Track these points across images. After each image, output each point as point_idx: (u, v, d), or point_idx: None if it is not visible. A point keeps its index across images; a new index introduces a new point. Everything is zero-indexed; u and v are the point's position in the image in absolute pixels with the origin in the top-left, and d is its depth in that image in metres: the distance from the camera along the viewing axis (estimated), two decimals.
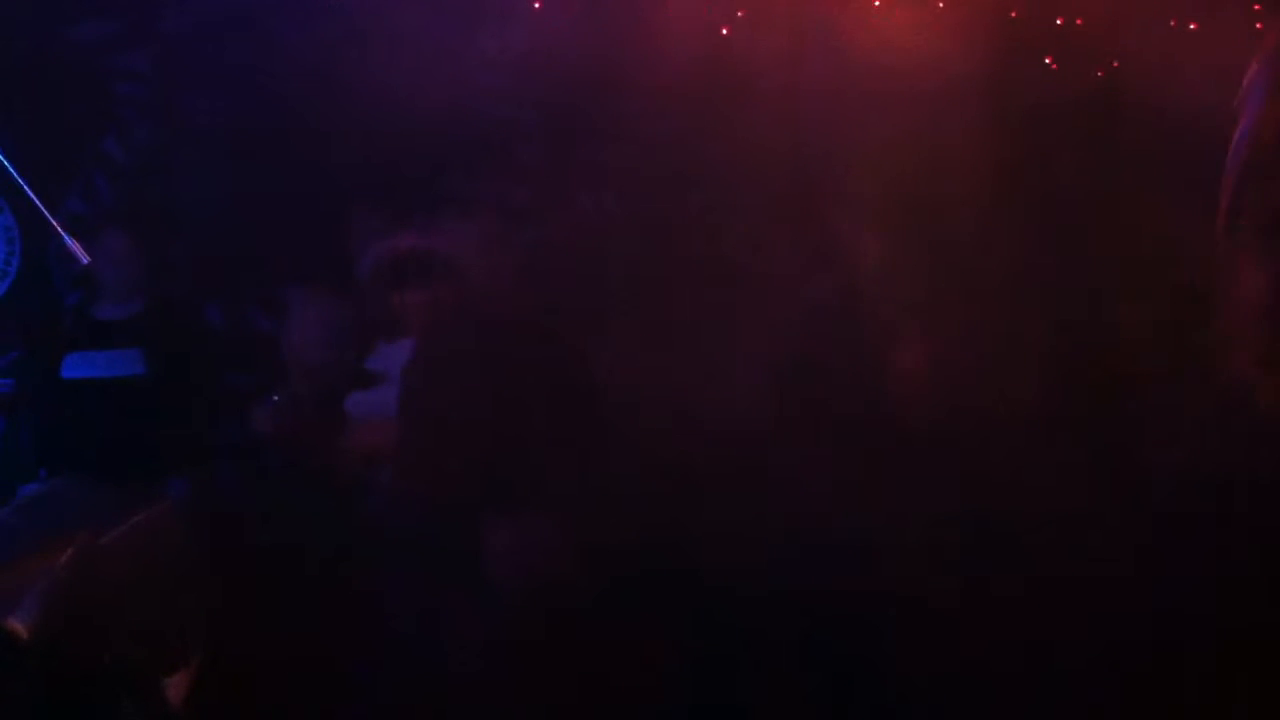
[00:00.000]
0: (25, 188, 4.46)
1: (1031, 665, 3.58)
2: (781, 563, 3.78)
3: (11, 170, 4.52)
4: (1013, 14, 4.73)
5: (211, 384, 4.85)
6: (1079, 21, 4.92)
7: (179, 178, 5.29)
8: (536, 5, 5.40)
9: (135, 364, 4.78)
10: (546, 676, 3.91)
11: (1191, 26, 4.77)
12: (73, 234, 4.66)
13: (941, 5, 4.80)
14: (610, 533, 4.02)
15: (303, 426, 4.66)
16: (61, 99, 5.27)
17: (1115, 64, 4.65)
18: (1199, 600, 3.41)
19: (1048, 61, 4.98)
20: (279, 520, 4.46)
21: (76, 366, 4.78)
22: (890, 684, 3.70)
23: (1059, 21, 4.96)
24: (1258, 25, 4.62)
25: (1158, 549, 3.54)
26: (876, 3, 4.82)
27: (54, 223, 4.54)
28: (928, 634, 3.66)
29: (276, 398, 4.77)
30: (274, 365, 4.83)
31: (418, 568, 4.22)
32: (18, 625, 3.85)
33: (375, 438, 4.63)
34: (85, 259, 4.54)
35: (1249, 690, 3.34)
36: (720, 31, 5.26)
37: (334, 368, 4.79)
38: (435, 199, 5.05)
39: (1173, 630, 3.46)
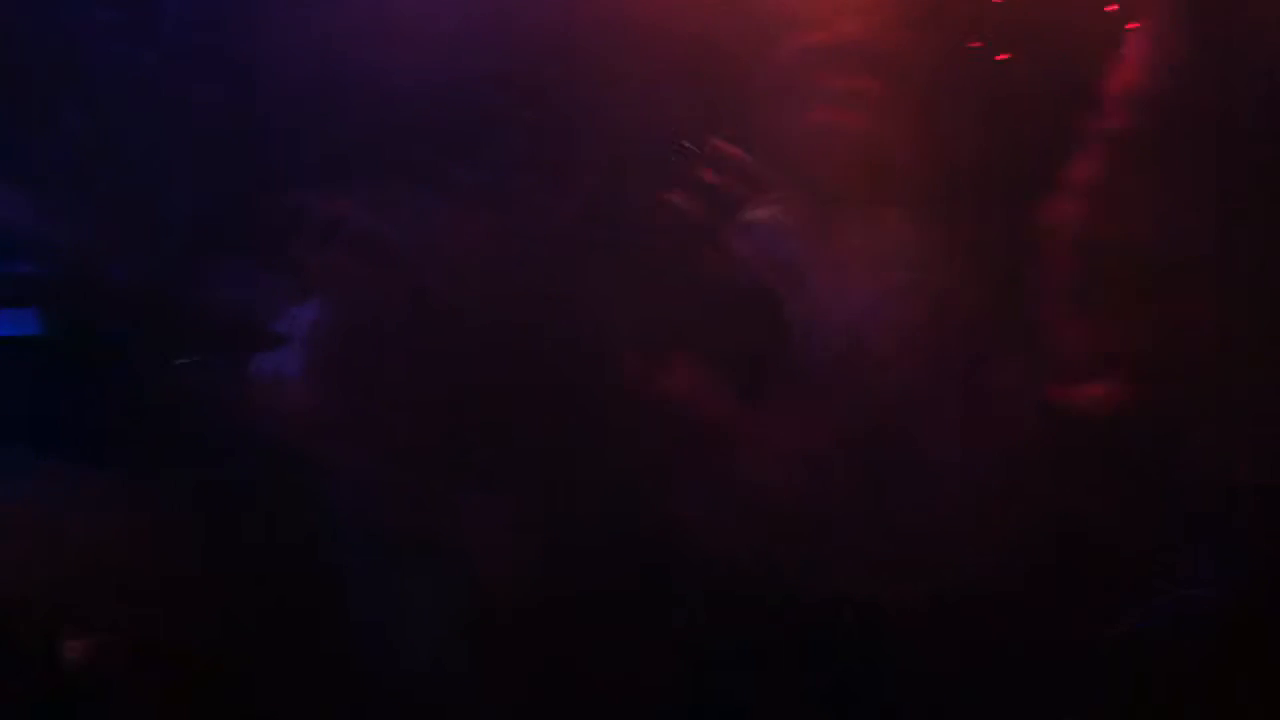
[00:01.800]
0: None
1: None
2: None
3: None
4: None
5: (119, 346, 4.71)
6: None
7: (116, 137, 5.12)
8: None
9: (32, 323, 4.64)
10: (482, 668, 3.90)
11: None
12: None
13: None
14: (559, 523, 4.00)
15: (213, 389, 4.58)
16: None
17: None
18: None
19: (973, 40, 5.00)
20: (192, 488, 4.38)
21: None
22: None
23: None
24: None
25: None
26: None
27: None
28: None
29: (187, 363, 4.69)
30: (186, 329, 4.73)
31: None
32: None
33: (287, 401, 4.56)
34: None
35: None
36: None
37: (246, 330, 4.71)
38: (389, 174, 4.95)
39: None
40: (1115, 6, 4.50)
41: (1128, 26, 4.45)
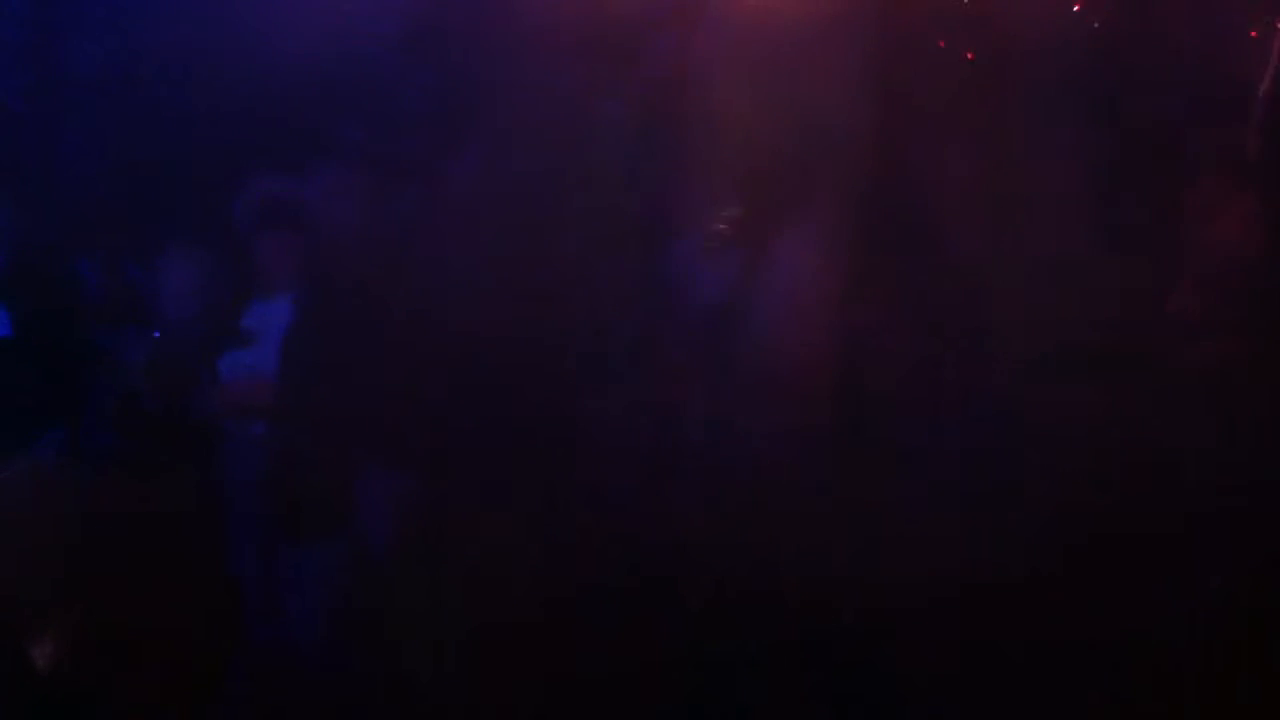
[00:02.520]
0: None
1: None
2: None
3: None
4: None
5: (82, 340, 4.70)
6: None
7: (54, 126, 5.14)
8: None
9: (3, 324, 4.64)
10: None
11: None
12: None
13: None
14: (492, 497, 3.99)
15: (174, 383, 4.57)
16: None
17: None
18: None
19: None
20: (149, 479, 4.37)
21: None
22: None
23: None
24: None
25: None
26: None
27: None
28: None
29: (148, 355, 4.68)
30: (146, 321, 4.73)
31: (278, 524, 4.17)
32: None
33: (247, 395, 4.57)
34: None
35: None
36: None
37: (205, 324, 4.71)
38: (315, 148, 4.94)
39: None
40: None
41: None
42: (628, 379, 4.19)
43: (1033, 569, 3.75)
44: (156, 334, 4.70)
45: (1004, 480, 3.84)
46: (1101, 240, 3.92)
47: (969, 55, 4.46)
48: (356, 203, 4.72)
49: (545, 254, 4.39)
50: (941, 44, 4.48)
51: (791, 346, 4.05)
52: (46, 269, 4.79)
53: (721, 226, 4.32)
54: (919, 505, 3.82)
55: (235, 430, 4.55)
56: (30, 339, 4.65)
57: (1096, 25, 4.25)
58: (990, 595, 3.72)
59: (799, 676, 3.83)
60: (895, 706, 3.80)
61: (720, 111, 4.41)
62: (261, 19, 4.71)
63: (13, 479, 4.31)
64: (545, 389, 4.19)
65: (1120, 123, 4.09)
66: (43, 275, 4.75)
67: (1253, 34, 4.04)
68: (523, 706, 3.94)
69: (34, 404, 4.49)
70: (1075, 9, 4.31)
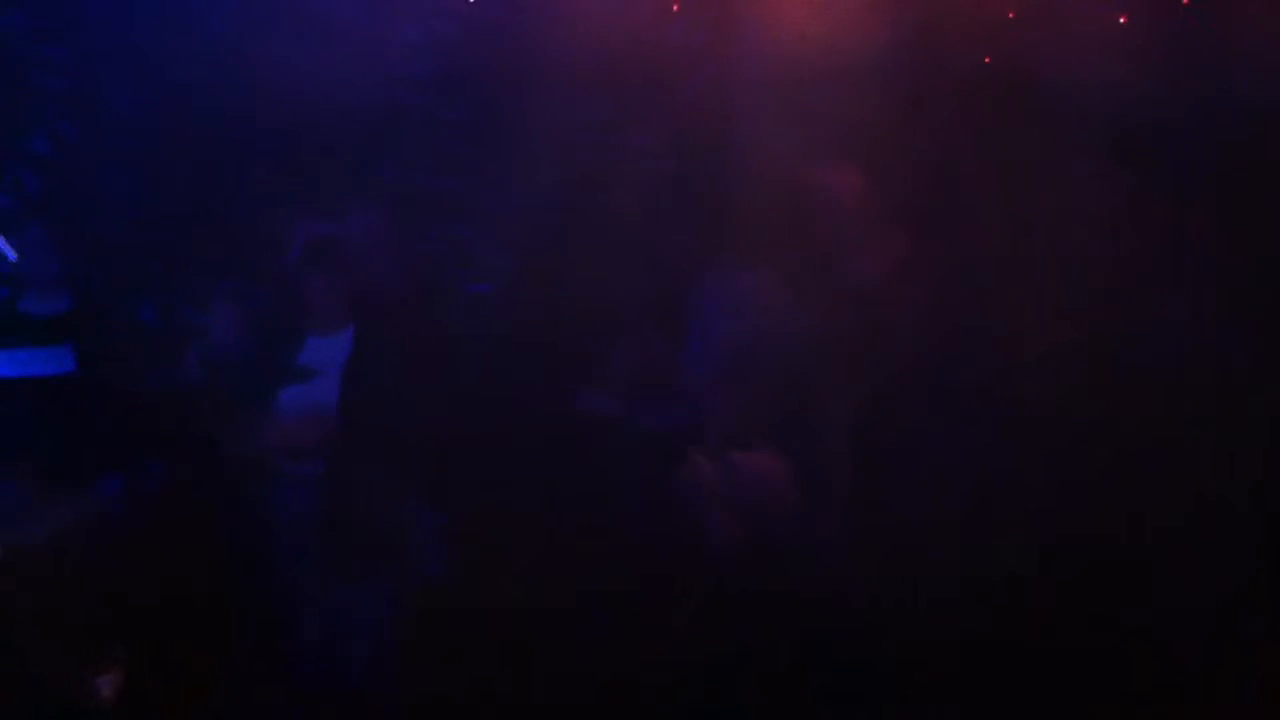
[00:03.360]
0: None
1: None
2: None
3: None
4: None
5: (141, 381, 4.81)
6: (1010, 15, 4.94)
7: (104, 171, 5.25)
8: None
9: (65, 361, 4.74)
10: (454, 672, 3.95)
11: (1122, 20, 4.79)
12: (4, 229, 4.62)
13: None
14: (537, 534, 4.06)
15: (230, 422, 4.67)
16: None
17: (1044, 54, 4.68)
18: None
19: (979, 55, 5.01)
20: (207, 519, 4.47)
21: (2, 364, 4.74)
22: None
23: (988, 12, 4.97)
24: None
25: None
26: None
27: None
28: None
29: (204, 394, 4.79)
30: (201, 361, 4.84)
31: (335, 562, 4.25)
32: None
33: (301, 432, 4.66)
34: (11, 255, 4.50)
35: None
36: (646, 16, 5.25)
37: (258, 362, 4.80)
38: (356, 188, 5.03)
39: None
40: None
41: None
42: (657, 403, 4.25)
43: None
44: (210, 373, 4.80)
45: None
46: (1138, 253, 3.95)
47: (1002, 83, 4.48)
48: (397, 240, 4.81)
49: (578, 284, 4.46)
50: (974, 72, 4.51)
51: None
52: (108, 311, 4.90)
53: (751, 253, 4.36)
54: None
55: (289, 468, 4.65)
56: (93, 379, 4.74)
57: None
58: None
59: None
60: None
61: (750, 142, 4.47)
62: (298, 63, 4.80)
63: (75, 519, 4.45)
64: (580, 419, 4.26)
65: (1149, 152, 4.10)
66: (105, 317, 4.86)
67: None
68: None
69: (95, 443, 4.62)
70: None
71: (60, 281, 4.86)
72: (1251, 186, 4.08)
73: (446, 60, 5.00)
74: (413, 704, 4.25)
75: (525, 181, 4.70)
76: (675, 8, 5.28)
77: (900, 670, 3.80)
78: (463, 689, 4.17)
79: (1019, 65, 4.50)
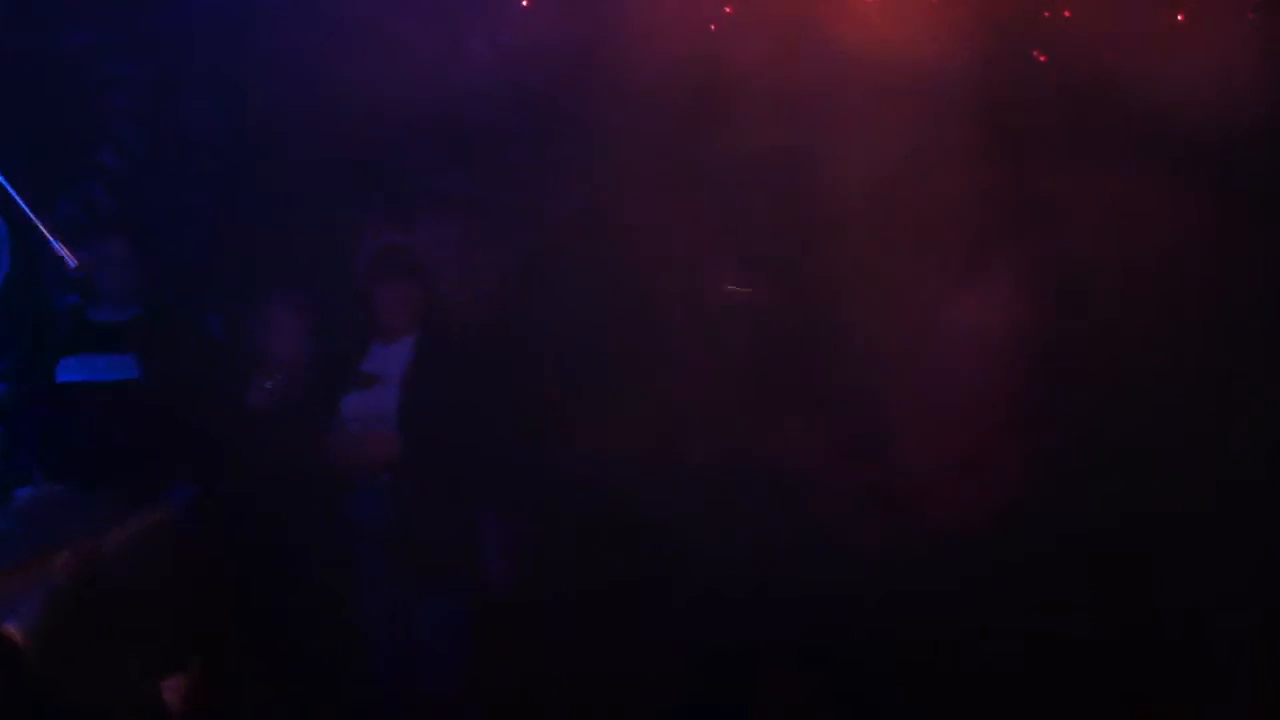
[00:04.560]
0: (11, 192, 4.46)
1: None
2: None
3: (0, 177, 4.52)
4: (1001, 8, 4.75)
5: (209, 389, 4.83)
6: (1066, 14, 4.94)
7: (172, 183, 5.31)
8: (524, 3, 5.43)
9: (131, 368, 4.78)
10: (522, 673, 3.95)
11: (1179, 19, 4.79)
12: (64, 238, 4.65)
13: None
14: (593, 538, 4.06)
15: (299, 431, 4.70)
16: (56, 107, 5.28)
17: (1104, 56, 4.68)
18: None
19: (1035, 55, 5.01)
20: (274, 525, 4.50)
21: (72, 370, 4.78)
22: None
23: (1046, 15, 4.99)
24: (1249, 16, 4.67)
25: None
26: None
27: (43, 227, 4.53)
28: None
29: (272, 404, 4.82)
30: (269, 371, 4.87)
31: (401, 567, 4.26)
32: (14, 630, 3.86)
33: (369, 442, 4.68)
34: (74, 262, 4.54)
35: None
36: (708, 29, 5.28)
37: (325, 371, 4.83)
38: (422, 198, 5.06)
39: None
40: None
41: None
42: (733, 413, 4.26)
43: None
44: (275, 383, 4.82)
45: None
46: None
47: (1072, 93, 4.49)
48: (465, 251, 4.84)
49: (651, 298, 4.48)
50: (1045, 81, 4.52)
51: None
52: (175, 321, 4.93)
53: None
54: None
55: (357, 478, 4.67)
56: (159, 387, 4.77)
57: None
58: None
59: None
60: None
61: (815, 152, 4.49)
62: (366, 77, 4.85)
63: (141, 526, 4.47)
64: (651, 429, 4.27)
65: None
66: (171, 327, 4.90)
67: None
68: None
69: (164, 452, 4.66)
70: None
71: (128, 291, 4.89)
72: None
73: (512, 72, 5.04)
74: (479, 709, 4.25)
75: (591, 193, 4.74)
76: (729, 10, 5.31)
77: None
78: (527, 693, 4.17)
79: (1086, 69, 4.51)
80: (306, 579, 4.41)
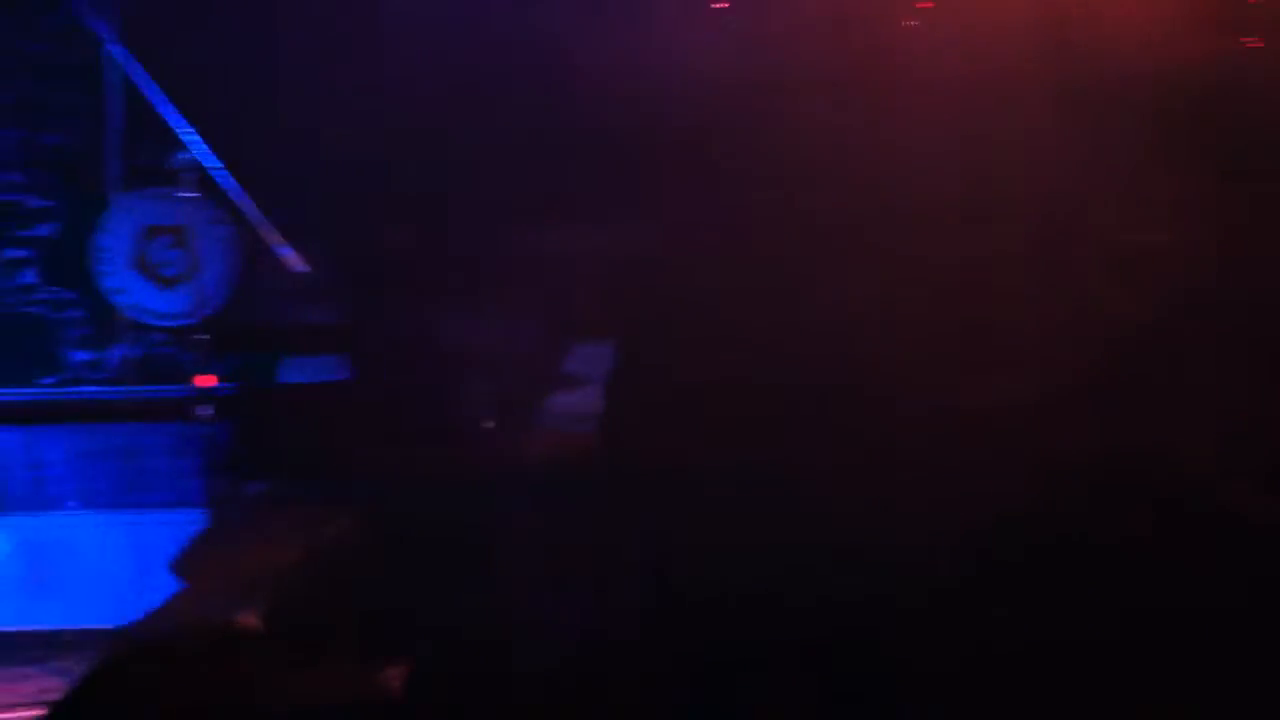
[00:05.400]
0: (242, 197, 4.68)
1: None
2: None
3: (230, 182, 4.75)
4: None
5: (419, 388, 5.02)
6: None
7: (383, 187, 5.48)
8: (721, 6, 5.49)
9: (344, 369, 4.99)
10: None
11: None
12: (288, 243, 4.88)
13: None
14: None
15: (501, 427, 4.85)
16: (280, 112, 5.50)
17: None
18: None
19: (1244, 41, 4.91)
20: (473, 522, 4.66)
21: (290, 371, 5.03)
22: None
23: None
24: None
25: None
26: None
27: (269, 232, 4.76)
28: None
29: (476, 400, 4.98)
30: (471, 368, 5.04)
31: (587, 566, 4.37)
32: (248, 618, 4.07)
33: (568, 438, 4.80)
34: (301, 268, 4.75)
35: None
36: (904, 24, 5.29)
37: (528, 371, 4.97)
38: (626, 202, 5.16)
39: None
40: None
41: None
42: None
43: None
44: (474, 384, 4.98)
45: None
46: None
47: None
48: (663, 253, 4.93)
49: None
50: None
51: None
52: (381, 323, 5.12)
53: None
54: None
55: (558, 478, 4.81)
56: (371, 390, 4.98)
57: None
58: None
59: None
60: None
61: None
62: (570, 79, 4.95)
63: (358, 520, 4.68)
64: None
65: None
66: (377, 329, 5.09)
67: None
68: None
69: (375, 450, 4.86)
70: None
71: (338, 294, 5.10)
72: None
73: (706, 73, 5.09)
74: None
75: (795, 192, 4.76)
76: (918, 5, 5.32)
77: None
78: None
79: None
80: (500, 576, 4.55)
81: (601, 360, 4.86)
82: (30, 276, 5.51)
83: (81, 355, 5.55)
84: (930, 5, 5.38)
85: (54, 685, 4.44)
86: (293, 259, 4.71)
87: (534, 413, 4.88)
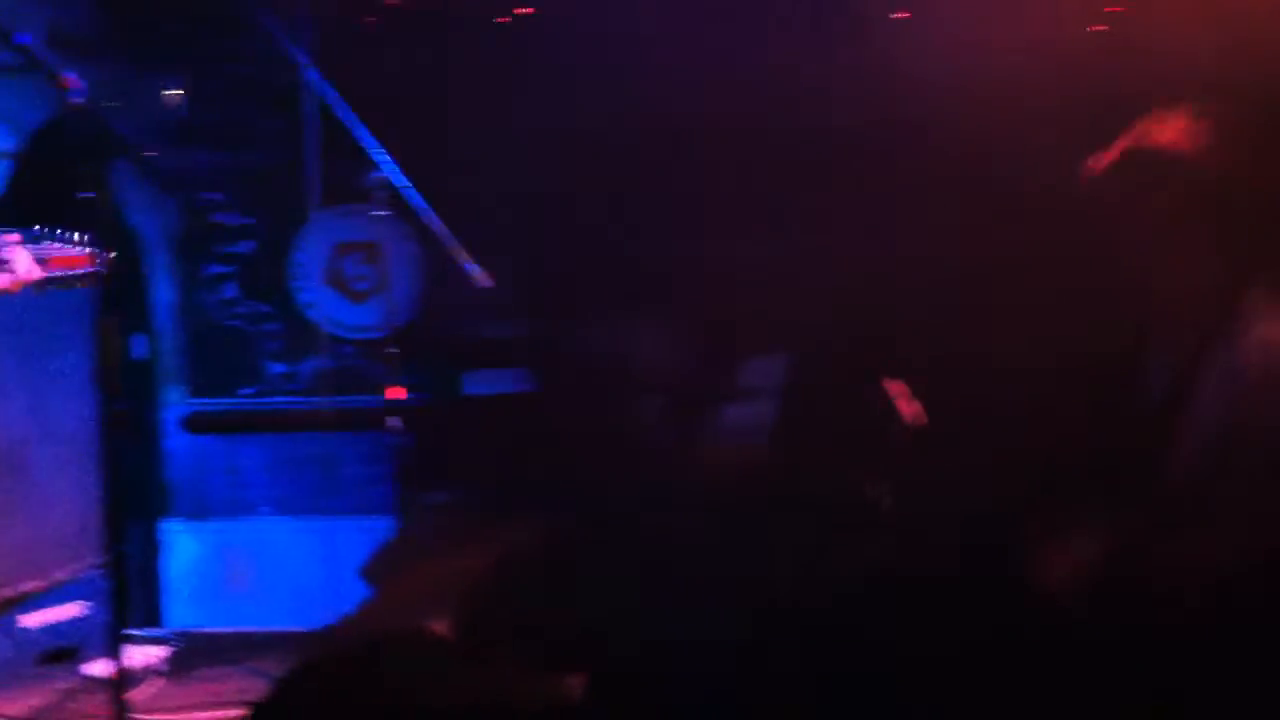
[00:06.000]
0: (427, 211, 4.80)
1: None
2: None
3: (419, 200, 4.88)
4: None
5: (600, 400, 5.11)
6: None
7: (565, 202, 5.58)
8: (900, 15, 5.47)
9: (527, 382, 5.10)
10: None
11: None
12: (474, 259, 4.98)
13: None
14: None
15: (680, 440, 4.90)
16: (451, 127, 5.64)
17: None
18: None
19: None
20: (653, 534, 4.72)
21: (475, 384, 5.15)
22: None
23: None
24: None
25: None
26: None
27: (456, 248, 4.87)
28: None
29: (655, 412, 5.05)
30: (651, 380, 5.10)
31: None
32: (439, 628, 4.19)
33: (741, 452, 4.84)
34: (487, 283, 4.85)
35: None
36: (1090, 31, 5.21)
37: (703, 385, 5.02)
38: (810, 216, 5.16)
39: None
40: None
41: None
42: None
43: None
44: (659, 393, 5.05)
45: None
46: None
47: None
48: (821, 264, 4.90)
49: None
50: None
51: None
52: (564, 337, 5.23)
53: None
54: None
55: (731, 492, 4.85)
56: (552, 400, 5.08)
57: None
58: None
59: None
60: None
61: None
62: (720, 92, 4.98)
63: (542, 534, 4.77)
64: None
65: None
66: (560, 343, 5.19)
67: None
68: None
69: (558, 463, 4.95)
70: None
71: (523, 308, 5.21)
72: None
73: (856, 83, 5.07)
74: None
75: (980, 203, 4.72)
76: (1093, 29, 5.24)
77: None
78: None
79: None
80: (679, 586, 4.60)
81: (780, 374, 4.90)
82: (231, 291, 5.73)
83: (277, 367, 5.76)
84: (1120, 10, 5.29)
85: (252, 685, 4.64)
86: (479, 274, 4.81)
87: (712, 425, 4.93)
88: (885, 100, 5.13)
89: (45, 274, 3.48)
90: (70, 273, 3.46)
